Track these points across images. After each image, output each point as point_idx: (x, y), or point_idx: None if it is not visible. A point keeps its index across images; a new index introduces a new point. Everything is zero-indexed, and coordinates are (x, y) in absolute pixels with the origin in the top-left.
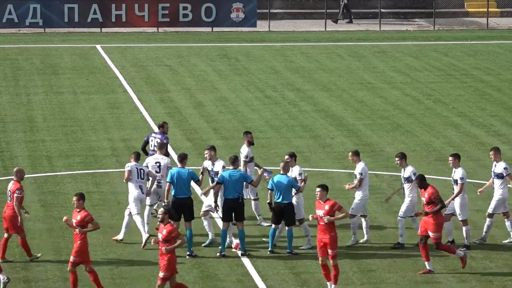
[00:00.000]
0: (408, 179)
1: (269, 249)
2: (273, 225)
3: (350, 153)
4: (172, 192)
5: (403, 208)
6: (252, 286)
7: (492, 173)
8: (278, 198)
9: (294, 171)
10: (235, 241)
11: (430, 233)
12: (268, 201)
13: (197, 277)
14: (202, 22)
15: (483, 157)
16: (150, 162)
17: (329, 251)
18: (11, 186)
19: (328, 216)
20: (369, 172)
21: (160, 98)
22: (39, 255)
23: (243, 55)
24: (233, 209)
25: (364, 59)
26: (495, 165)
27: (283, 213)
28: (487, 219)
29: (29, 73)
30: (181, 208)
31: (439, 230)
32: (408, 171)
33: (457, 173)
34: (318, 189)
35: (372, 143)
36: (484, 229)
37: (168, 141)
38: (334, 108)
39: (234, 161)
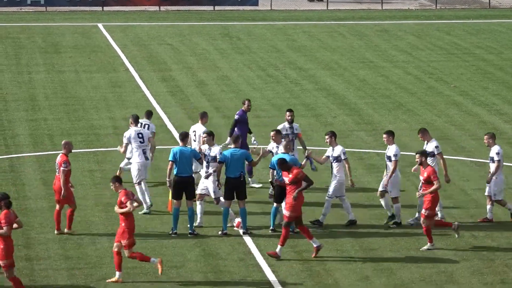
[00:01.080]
0: (337, 158)
1: (271, 227)
2: (275, 204)
3: (272, 132)
4: (175, 171)
5: (330, 188)
6: (254, 264)
7: None
8: (280, 177)
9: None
10: (237, 220)
11: (284, 211)
12: (270, 180)
13: (199, 256)
14: (203, 1)
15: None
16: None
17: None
18: (58, 159)
19: None
20: (371, 150)
21: (162, 76)
22: (72, 231)
23: (245, 33)
24: (235, 188)
25: (366, 38)
26: (427, 144)
27: (285, 192)
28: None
29: (31, 51)
30: (184, 186)
31: (294, 211)
32: (337, 150)
33: (391, 150)
34: None
35: (373, 122)
36: (418, 209)
37: (238, 117)
38: (336, 87)
39: (236, 140)
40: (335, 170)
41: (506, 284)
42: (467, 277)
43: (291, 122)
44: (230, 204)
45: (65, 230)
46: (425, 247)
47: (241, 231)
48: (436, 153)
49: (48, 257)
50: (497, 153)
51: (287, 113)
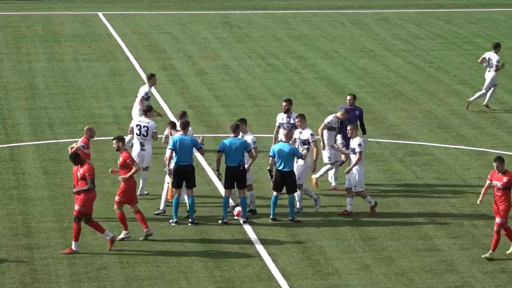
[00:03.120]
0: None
1: (271, 216)
2: (275, 193)
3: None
4: (174, 160)
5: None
6: (254, 253)
7: (299, 141)
8: (280, 166)
9: (305, 134)
10: (237, 209)
11: (76, 206)
12: (268, 168)
13: (199, 245)
14: None
15: (485, 125)
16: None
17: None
18: (79, 141)
19: None
20: (371, 140)
21: (162, 65)
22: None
23: (245, 22)
24: (235, 177)
25: (366, 27)
26: (300, 133)
27: (285, 181)
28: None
29: (31, 40)
30: (183, 175)
31: (84, 206)
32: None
33: (247, 138)
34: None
35: (374, 111)
36: (297, 199)
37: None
38: (336, 76)
39: (235, 129)
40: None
41: (506, 273)
42: (467, 266)
43: (286, 111)
44: (230, 193)
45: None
46: (120, 236)
47: (241, 220)
48: (310, 141)
49: (49, 246)
50: (359, 145)
51: (283, 103)
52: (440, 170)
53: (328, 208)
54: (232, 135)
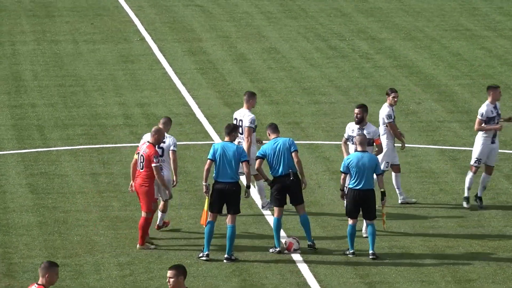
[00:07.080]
0: None
1: (351, 251)
2: (350, 220)
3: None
4: (214, 174)
5: None
6: None
7: None
8: (358, 184)
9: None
10: (289, 240)
11: None
12: (340, 188)
13: None
14: None
15: None
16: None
17: None
18: (144, 149)
19: None
20: (468, 148)
21: (189, 49)
22: (152, 246)
23: None
24: (286, 189)
25: None
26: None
27: (364, 203)
28: None
29: (15, 15)
30: (225, 196)
31: None
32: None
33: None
34: None
35: (471, 110)
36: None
37: None
38: (420, 63)
39: (275, 129)
40: None
41: None
42: None
43: (359, 121)
44: (281, 213)
45: (138, 247)
46: None
47: (293, 255)
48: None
49: None
50: None
51: (355, 109)
52: None
53: (410, 241)
54: (273, 136)
